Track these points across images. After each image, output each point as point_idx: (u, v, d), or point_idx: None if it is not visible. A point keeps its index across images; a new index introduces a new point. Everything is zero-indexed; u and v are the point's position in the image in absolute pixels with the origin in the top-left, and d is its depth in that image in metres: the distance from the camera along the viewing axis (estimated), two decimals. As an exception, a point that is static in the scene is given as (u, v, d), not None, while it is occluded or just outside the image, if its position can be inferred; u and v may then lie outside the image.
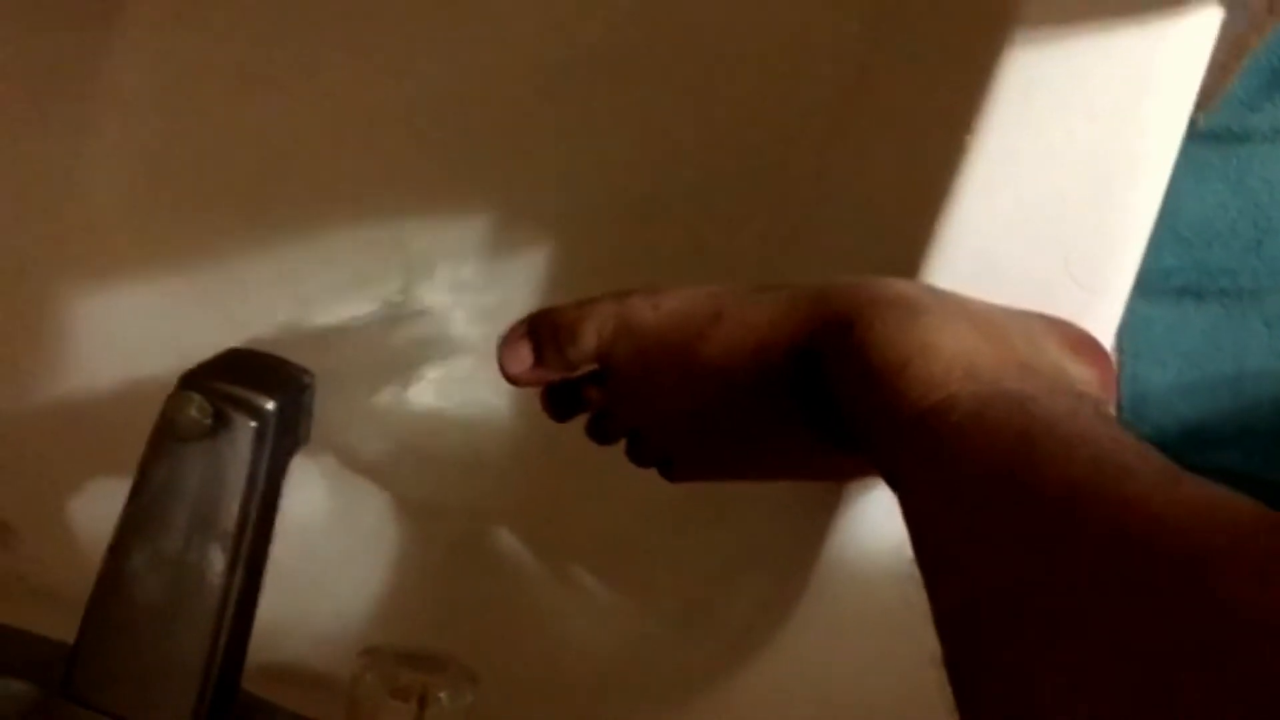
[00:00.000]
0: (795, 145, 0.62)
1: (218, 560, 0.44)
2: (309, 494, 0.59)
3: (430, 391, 0.62)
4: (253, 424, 0.44)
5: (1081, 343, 0.44)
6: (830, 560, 0.48)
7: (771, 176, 0.63)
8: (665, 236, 0.62)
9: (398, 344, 0.59)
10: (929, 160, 0.49)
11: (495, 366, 0.46)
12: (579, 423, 0.50)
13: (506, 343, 0.45)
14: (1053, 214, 0.47)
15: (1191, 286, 0.73)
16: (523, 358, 0.45)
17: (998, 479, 0.31)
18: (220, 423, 0.43)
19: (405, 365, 0.60)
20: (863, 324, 0.38)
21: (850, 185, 0.58)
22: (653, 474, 0.49)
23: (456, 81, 0.62)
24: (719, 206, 0.63)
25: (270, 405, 0.44)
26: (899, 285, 0.41)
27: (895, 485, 0.37)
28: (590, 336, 0.44)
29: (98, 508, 0.52)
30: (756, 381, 0.42)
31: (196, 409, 0.43)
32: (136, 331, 0.62)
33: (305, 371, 0.48)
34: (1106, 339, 0.47)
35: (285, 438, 0.46)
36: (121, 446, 0.47)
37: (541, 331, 0.45)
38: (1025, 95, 0.46)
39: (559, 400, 0.48)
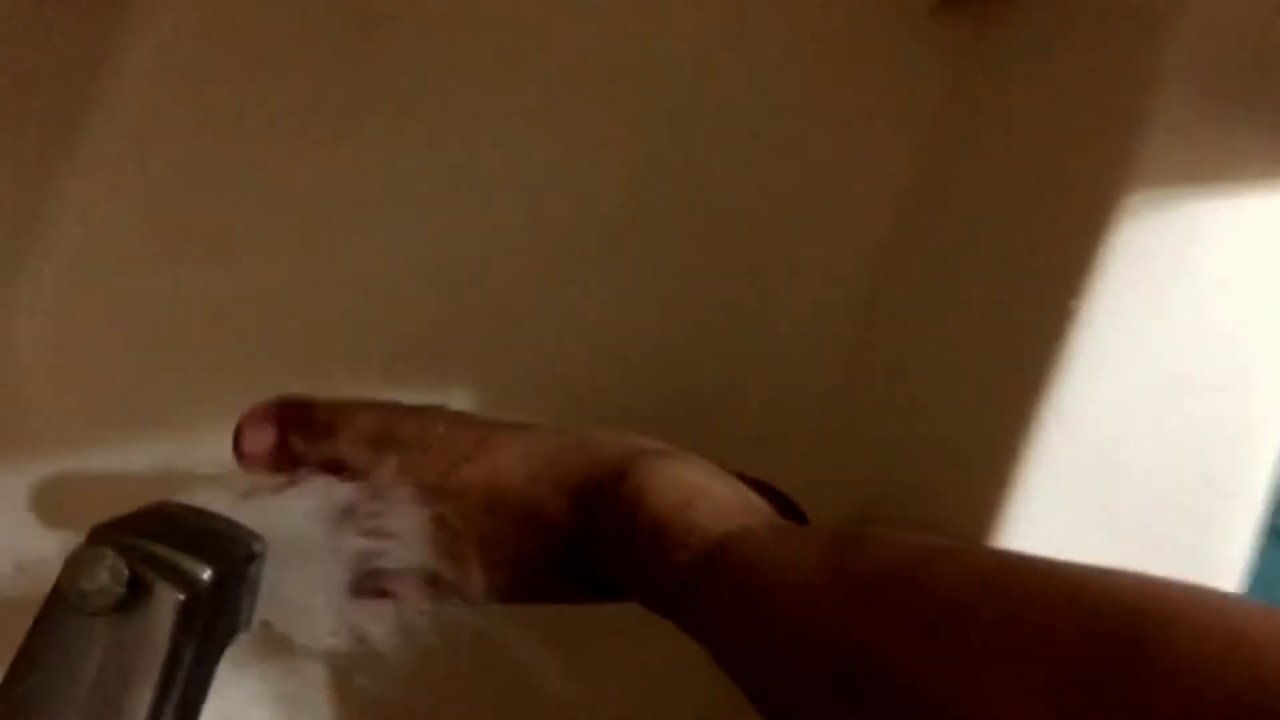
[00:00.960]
0: (831, 316, 0.56)
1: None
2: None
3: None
4: (180, 596, 0.33)
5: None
6: None
7: (807, 351, 0.56)
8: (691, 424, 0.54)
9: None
10: (1023, 333, 0.42)
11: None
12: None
13: (249, 420, 0.44)
14: (1180, 400, 0.39)
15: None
16: (264, 440, 0.43)
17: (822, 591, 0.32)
18: (137, 592, 0.33)
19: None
20: (638, 471, 0.40)
21: (916, 362, 0.51)
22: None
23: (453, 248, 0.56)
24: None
25: (206, 574, 0.34)
26: (648, 439, 0.43)
27: (691, 612, 0.37)
28: (341, 441, 0.42)
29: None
30: (520, 515, 0.42)
31: (107, 571, 0.33)
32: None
33: (255, 536, 0.38)
34: (1238, 555, 0.39)
35: (220, 620, 0.35)
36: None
37: (292, 421, 0.43)
38: (1140, 260, 0.40)
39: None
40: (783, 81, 0.58)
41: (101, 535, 0.33)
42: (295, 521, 0.40)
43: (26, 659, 0.33)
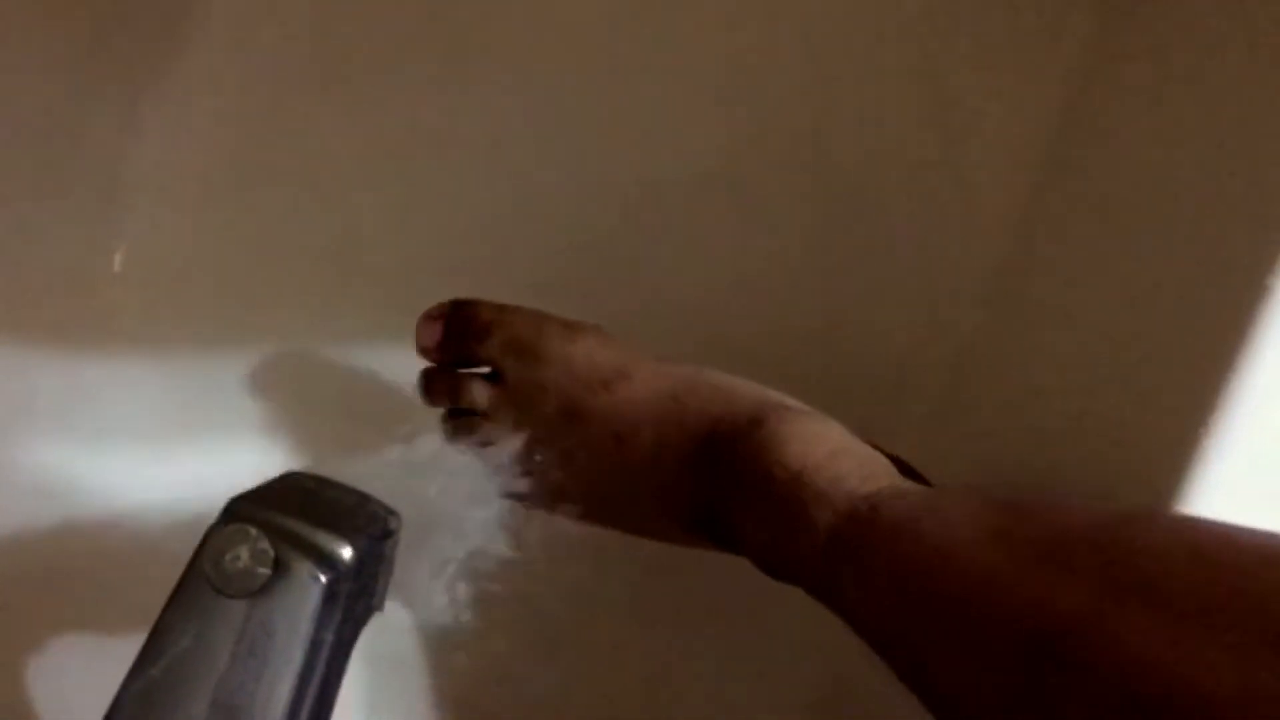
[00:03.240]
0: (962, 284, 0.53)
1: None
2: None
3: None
4: (323, 578, 0.31)
5: None
6: None
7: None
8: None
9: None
10: (1210, 310, 0.39)
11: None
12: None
13: (425, 316, 0.46)
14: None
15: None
16: (433, 334, 0.45)
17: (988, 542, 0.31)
18: (280, 573, 0.31)
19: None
20: (778, 420, 0.39)
21: (1058, 341, 0.48)
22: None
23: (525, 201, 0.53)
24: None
25: (347, 554, 0.32)
26: (787, 396, 0.42)
27: (831, 576, 0.35)
28: (495, 341, 0.44)
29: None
30: (648, 451, 0.42)
31: (250, 552, 0.31)
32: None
33: (391, 512, 0.35)
34: None
35: (359, 600, 0.33)
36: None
37: (456, 318, 0.45)
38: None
39: (438, 383, 0.46)
40: (915, 37, 0.55)
41: (242, 512, 0.31)
42: (423, 495, 0.38)
43: (163, 636, 0.31)
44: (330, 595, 0.31)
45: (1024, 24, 0.53)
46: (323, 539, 0.32)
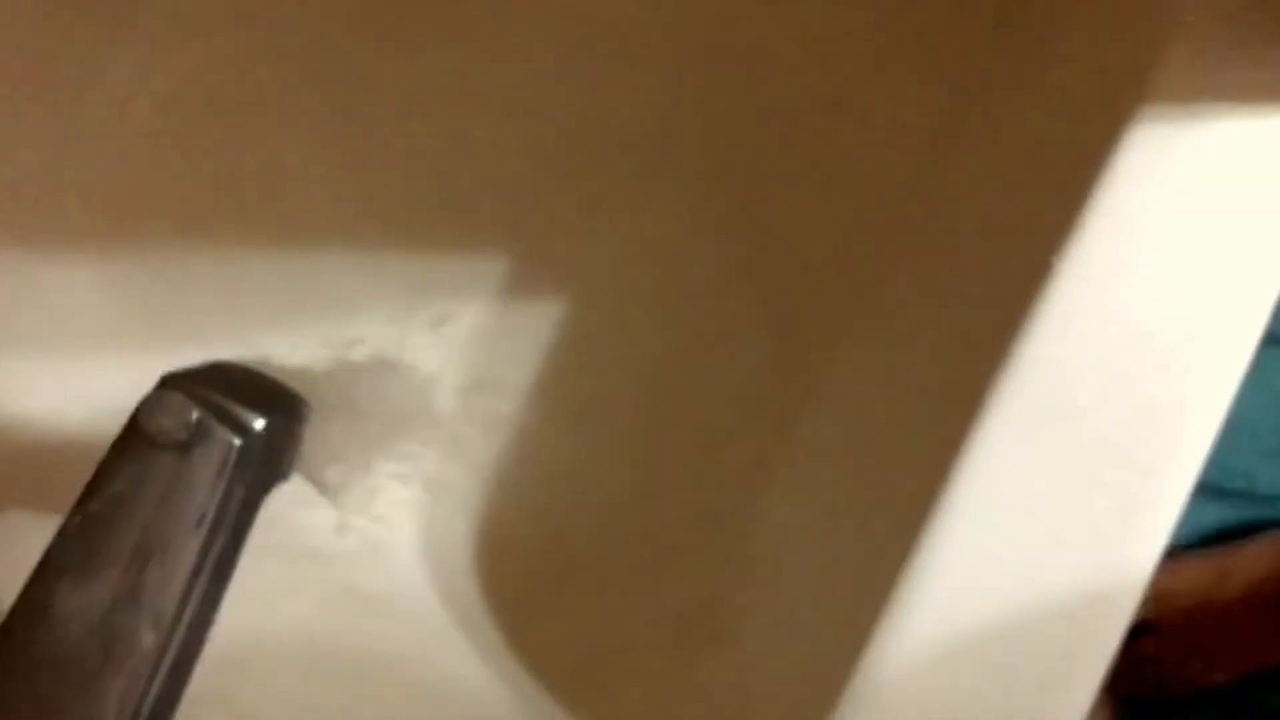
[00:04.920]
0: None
1: (164, 601, 0.37)
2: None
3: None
4: (236, 441, 0.38)
5: None
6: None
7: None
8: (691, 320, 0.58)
9: (382, 398, 0.54)
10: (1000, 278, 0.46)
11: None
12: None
13: None
14: (1133, 362, 0.43)
15: (1211, 482, 0.70)
16: None
17: None
18: (199, 434, 0.37)
19: (387, 424, 0.54)
20: None
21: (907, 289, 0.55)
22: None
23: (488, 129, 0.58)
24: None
25: (259, 424, 0.39)
26: None
27: None
28: None
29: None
30: None
31: (176, 412, 0.37)
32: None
33: (302, 400, 0.42)
34: (1175, 503, 0.44)
35: (267, 467, 0.40)
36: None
37: None
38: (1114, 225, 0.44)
39: None
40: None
41: (173, 381, 0.38)
42: (338, 393, 0.45)
43: (95, 486, 0.38)
44: (244, 455, 0.38)
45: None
46: (239, 410, 0.38)
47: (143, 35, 0.57)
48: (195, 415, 0.37)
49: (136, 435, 0.37)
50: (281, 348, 0.56)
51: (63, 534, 0.37)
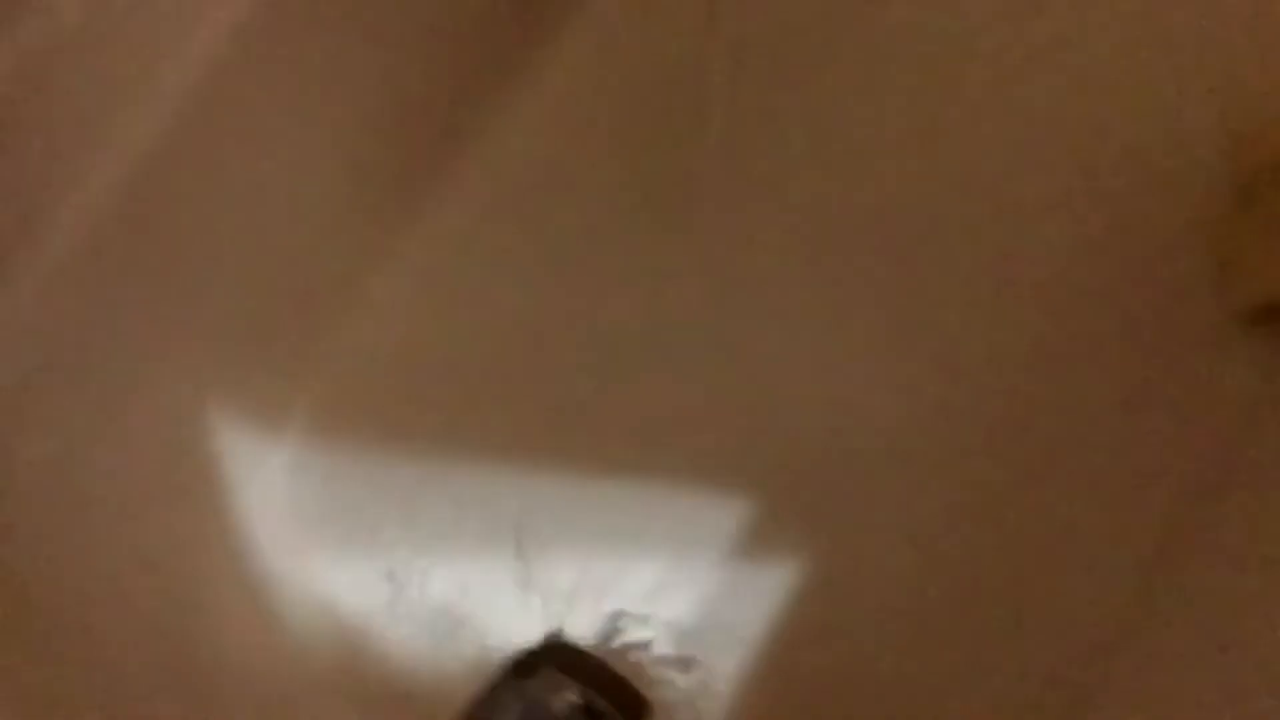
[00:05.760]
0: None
1: None
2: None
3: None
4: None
5: None
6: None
7: None
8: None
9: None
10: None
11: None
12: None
13: None
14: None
15: None
16: None
17: None
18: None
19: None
20: None
21: None
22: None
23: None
24: None
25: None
26: None
27: None
28: None
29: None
30: None
31: (567, 705, 0.46)
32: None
33: (650, 709, 0.50)
34: None
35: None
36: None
37: None
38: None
39: None
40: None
41: (562, 663, 0.47)
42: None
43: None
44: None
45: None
46: (607, 708, 0.47)
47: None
48: (580, 704, 0.46)
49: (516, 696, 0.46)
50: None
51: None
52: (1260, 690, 0.47)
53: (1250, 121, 0.65)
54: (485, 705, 0.48)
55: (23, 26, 0.46)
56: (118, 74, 0.50)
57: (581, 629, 0.53)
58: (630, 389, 0.64)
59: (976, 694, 0.60)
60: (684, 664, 0.54)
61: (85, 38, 0.48)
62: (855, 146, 0.69)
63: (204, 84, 0.52)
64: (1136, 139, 0.67)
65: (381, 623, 0.58)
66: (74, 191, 0.49)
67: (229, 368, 0.60)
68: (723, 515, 0.61)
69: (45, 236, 0.48)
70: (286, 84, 0.57)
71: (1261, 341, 0.63)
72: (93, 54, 0.49)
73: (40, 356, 0.49)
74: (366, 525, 0.62)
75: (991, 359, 0.65)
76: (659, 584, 0.58)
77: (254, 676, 0.57)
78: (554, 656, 0.49)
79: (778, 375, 0.65)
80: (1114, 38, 0.70)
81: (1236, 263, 0.63)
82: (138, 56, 0.50)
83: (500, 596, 0.56)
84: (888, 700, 0.60)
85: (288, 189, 0.60)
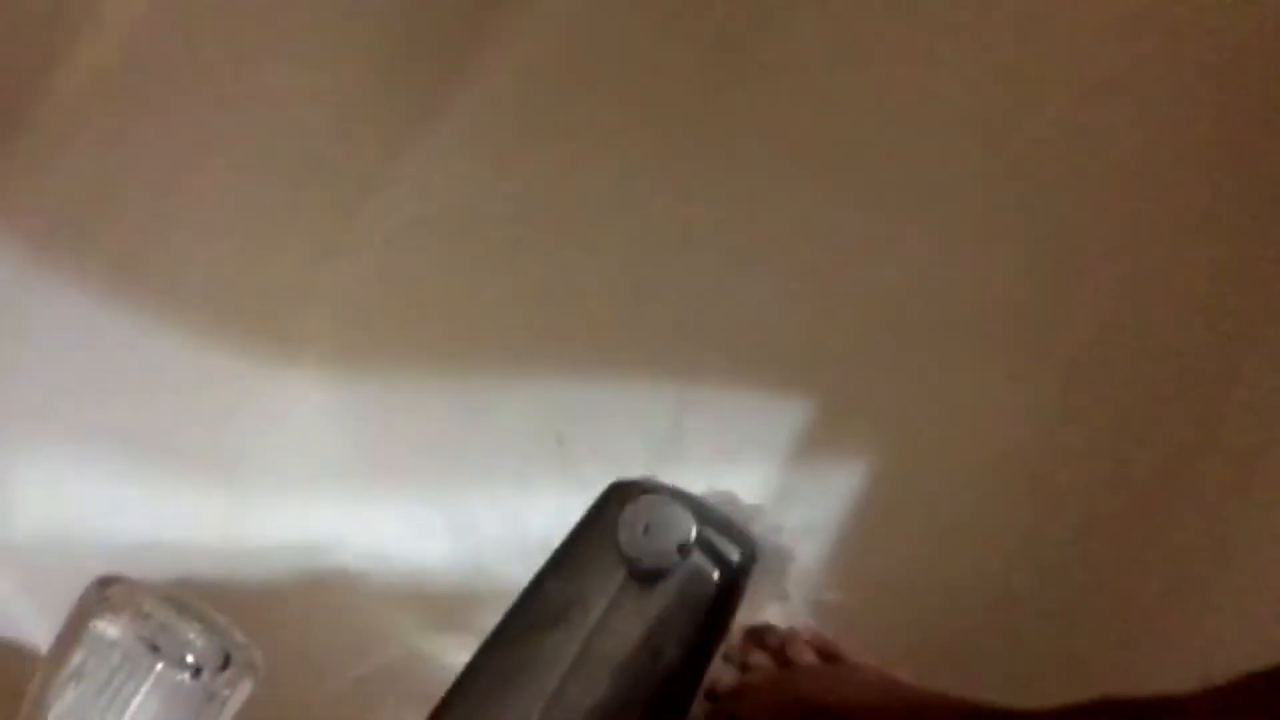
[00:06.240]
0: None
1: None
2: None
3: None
4: (717, 575, 0.33)
5: None
6: None
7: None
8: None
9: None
10: None
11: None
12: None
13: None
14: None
15: None
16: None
17: None
18: (683, 558, 0.32)
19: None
20: None
21: None
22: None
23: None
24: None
25: (736, 558, 0.34)
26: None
27: None
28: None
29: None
30: None
31: (668, 527, 0.32)
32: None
33: (758, 546, 0.37)
34: None
35: (728, 608, 0.34)
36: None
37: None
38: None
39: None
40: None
41: (658, 487, 0.33)
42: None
43: (564, 599, 0.33)
44: (723, 593, 0.32)
45: None
46: (720, 540, 0.33)
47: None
48: (692, 533, 0.32)
49: (610, 547, 0.32)
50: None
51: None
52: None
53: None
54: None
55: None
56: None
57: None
58: (670, 296, 0.61)
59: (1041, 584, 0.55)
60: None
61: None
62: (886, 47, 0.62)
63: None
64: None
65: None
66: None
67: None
68: (779, 417, 0.59)
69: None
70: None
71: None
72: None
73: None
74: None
75: (1065, 246, 0.58)
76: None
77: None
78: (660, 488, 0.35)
79: (816, 274, 0.61)
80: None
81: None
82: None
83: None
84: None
85: (309, 86, 0.57)
